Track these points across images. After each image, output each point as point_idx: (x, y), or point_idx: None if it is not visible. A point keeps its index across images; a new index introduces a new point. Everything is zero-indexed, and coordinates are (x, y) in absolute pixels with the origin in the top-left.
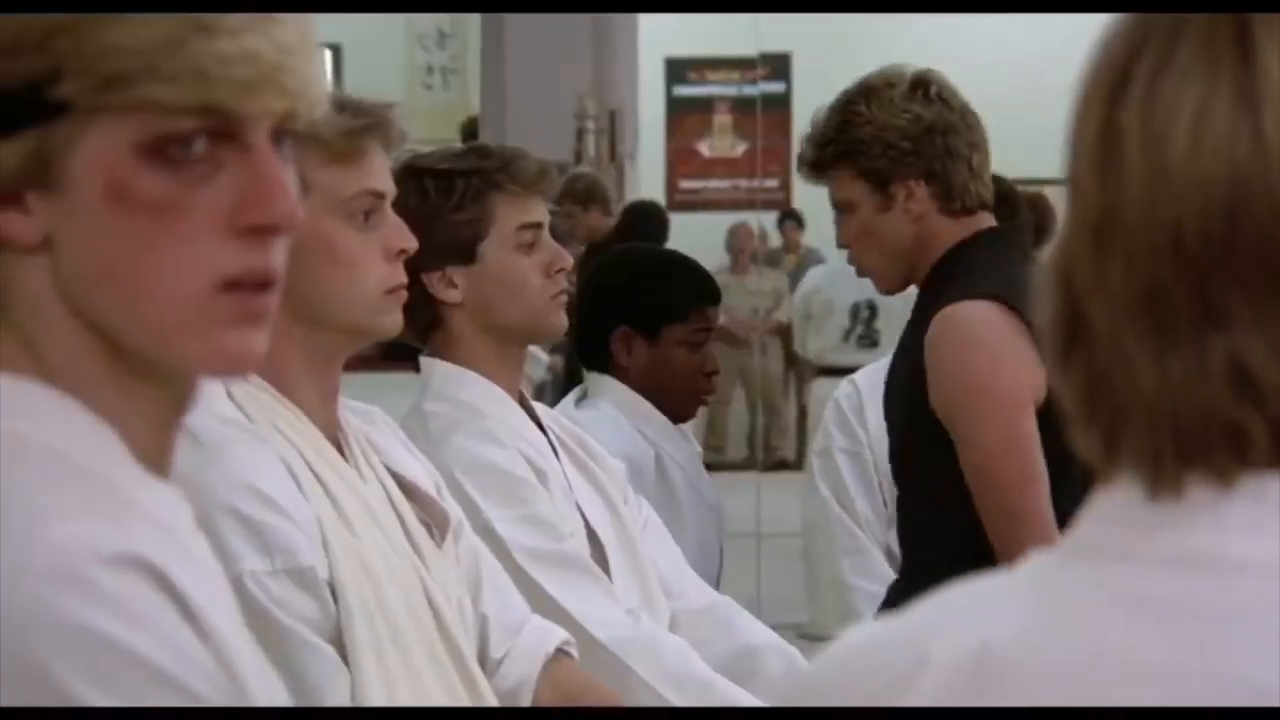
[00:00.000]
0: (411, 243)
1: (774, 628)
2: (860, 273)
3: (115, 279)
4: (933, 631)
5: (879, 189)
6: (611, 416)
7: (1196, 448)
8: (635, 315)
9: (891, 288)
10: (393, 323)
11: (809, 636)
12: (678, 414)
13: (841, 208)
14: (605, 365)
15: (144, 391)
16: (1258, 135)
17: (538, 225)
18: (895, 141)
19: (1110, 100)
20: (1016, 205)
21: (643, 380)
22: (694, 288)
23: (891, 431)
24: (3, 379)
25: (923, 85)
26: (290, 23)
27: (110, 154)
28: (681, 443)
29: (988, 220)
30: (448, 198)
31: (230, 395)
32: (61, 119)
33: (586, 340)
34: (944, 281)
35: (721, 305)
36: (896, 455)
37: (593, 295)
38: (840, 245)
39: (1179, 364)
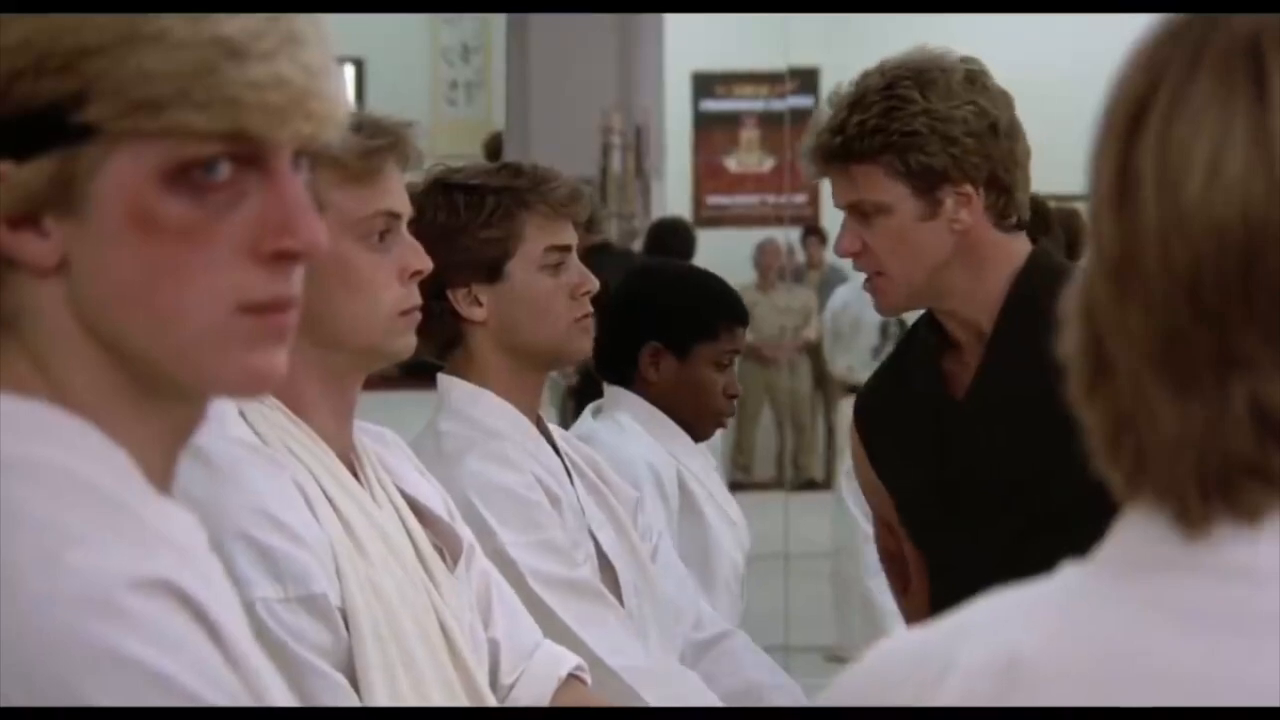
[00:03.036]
0: (426, 264)
1: (801, 649)
2: (872, 286)
3: (137, 303)
4: (962, 637)
5: (925, 192)
6: (632, 429)
7: (1220, 490)
8: (667, 331)
9: (899, 306)
10: (406, 345)
11: (837, 658)
12: (695, 434)
13: (864, 210)
14: (627, 379)
15: (157, 413)
16: (1272, 177)
17: (566, 248)
18: (958, 137)
19: (1126, 139)
20: (1050, 221)
21: (666, 397)
22: (726, 307)
23: (1020, 454)
24: (17, 402)
25: (979, 74)
26: (314, 44)
27: (135, 179)
28: (699, 457)
29: (1026, 239)
30: (477, 214)
31: (243, 416)
32: (85, 142)
33: (612, 352)
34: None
35: (749, 322)
36: (1036, 489)
37: (623, 308)
38: (845, 253)
39: (1200, 408)
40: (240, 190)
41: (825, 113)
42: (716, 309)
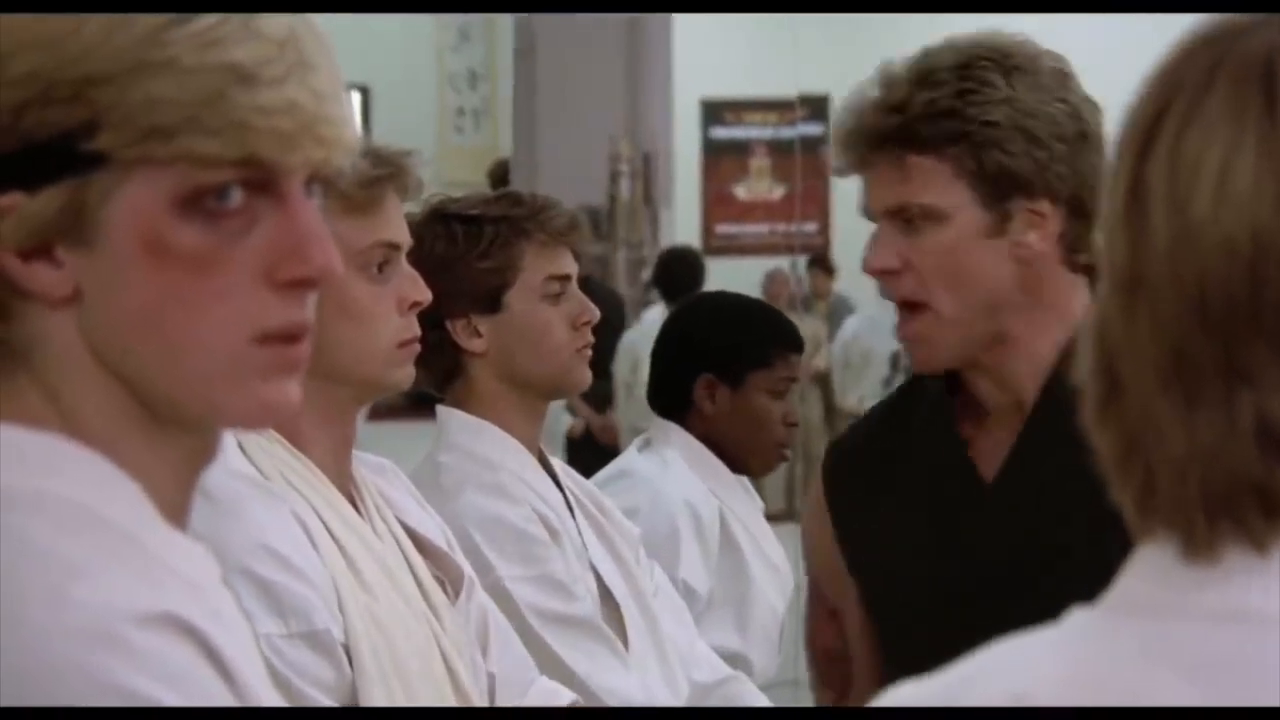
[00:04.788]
0: (425, 295)
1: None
2: (909, 329)
3: (151, 332)
4: (969, 684)
5: (995, 202)
6: (676, 466)
7: (1226, 510)
8: (720, 362)
9: (946, 358)
10: (405, 376)
11: None
12: (759, 465)
13: (911, 216)
14: (682, 413)
15: (170, 445)
16: None
17: (566, 277)
18: (1045, 139)
19: (1139, 155)
20: None
21: (724, 430)
22: (779, 334)
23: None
24: (28, 433)
25: (1069, 73)
26: (324, 70)
27: (147, 207)
28: (745, 499)
29: (1087, 287)
30: (475, 244)
31: (242, 448)
32: (96, 171)
33: (665, 387)
34: None
35: (804, 348)
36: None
37: (674, 342)
38: (879, 270)
39: (1207, 425)
40: (253, 217)
41: (869, 91)
42: (769, 337)
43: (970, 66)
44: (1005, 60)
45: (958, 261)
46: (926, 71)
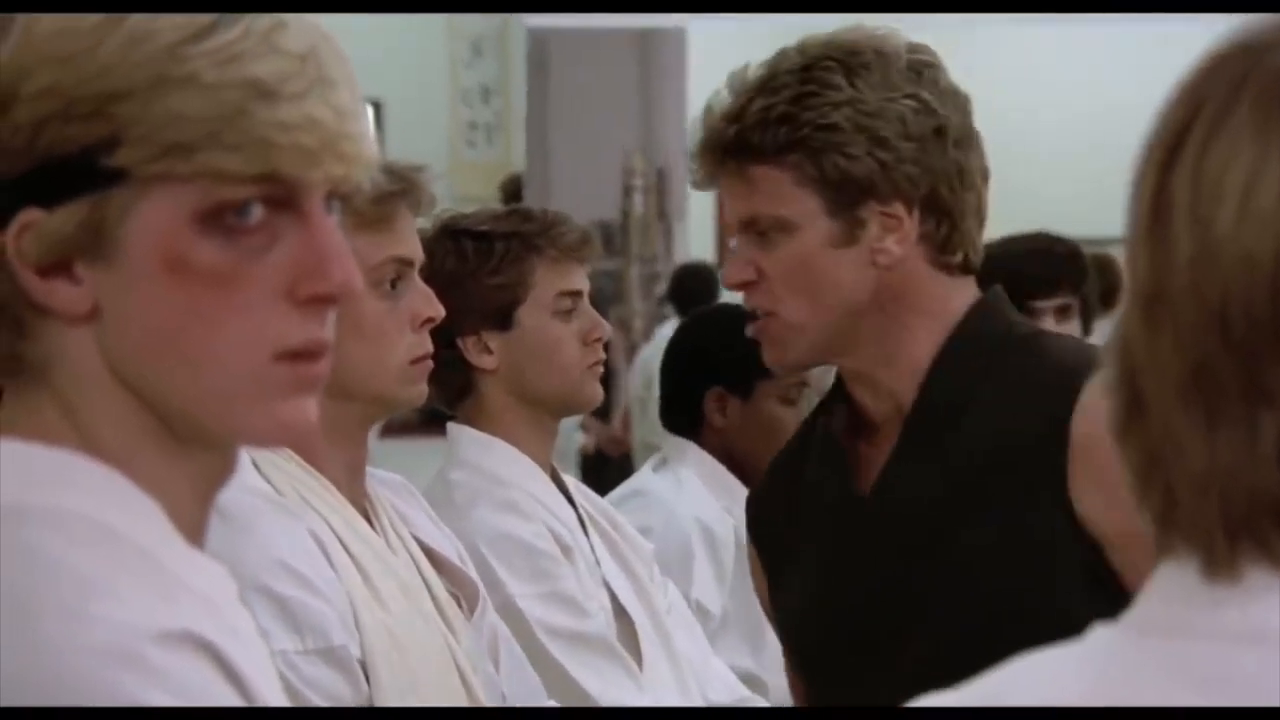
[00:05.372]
0: (438, 311)
1: None
2: (759, 330)
3: (172, 349)
4: (989, 700)
5: (843, 209)
6: (690, 485)
7: (1247, 529)
8: (728, 374)
9: (790, 361)
10: (418, 393)
11: None
12: None
13: (762, 228)
14: (695, 429)
15: (188, 462)
16: None
17: (577, 293)
18: (890, 139)
19: (1163, 169)
20: (1084, 268)
21: (738, 442)
22: None
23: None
24: (45, 450)
25: (930, 65)
26: (344, 86)
27: (167, 223)
28: None
29: (974, 286)
30: (486, 260)
31: (257, 466)
32: (116, 187)
33: (675, 403)
34: (1015, 365)
35: None
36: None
37: (681, 358)
38: (734, 284)
39: (1228, 443)
40: (273, 233)
41: (724, 99)
42: None
43: (811, 69)
44: (851, 59)
45: (810, 272)
46: (768, 77)
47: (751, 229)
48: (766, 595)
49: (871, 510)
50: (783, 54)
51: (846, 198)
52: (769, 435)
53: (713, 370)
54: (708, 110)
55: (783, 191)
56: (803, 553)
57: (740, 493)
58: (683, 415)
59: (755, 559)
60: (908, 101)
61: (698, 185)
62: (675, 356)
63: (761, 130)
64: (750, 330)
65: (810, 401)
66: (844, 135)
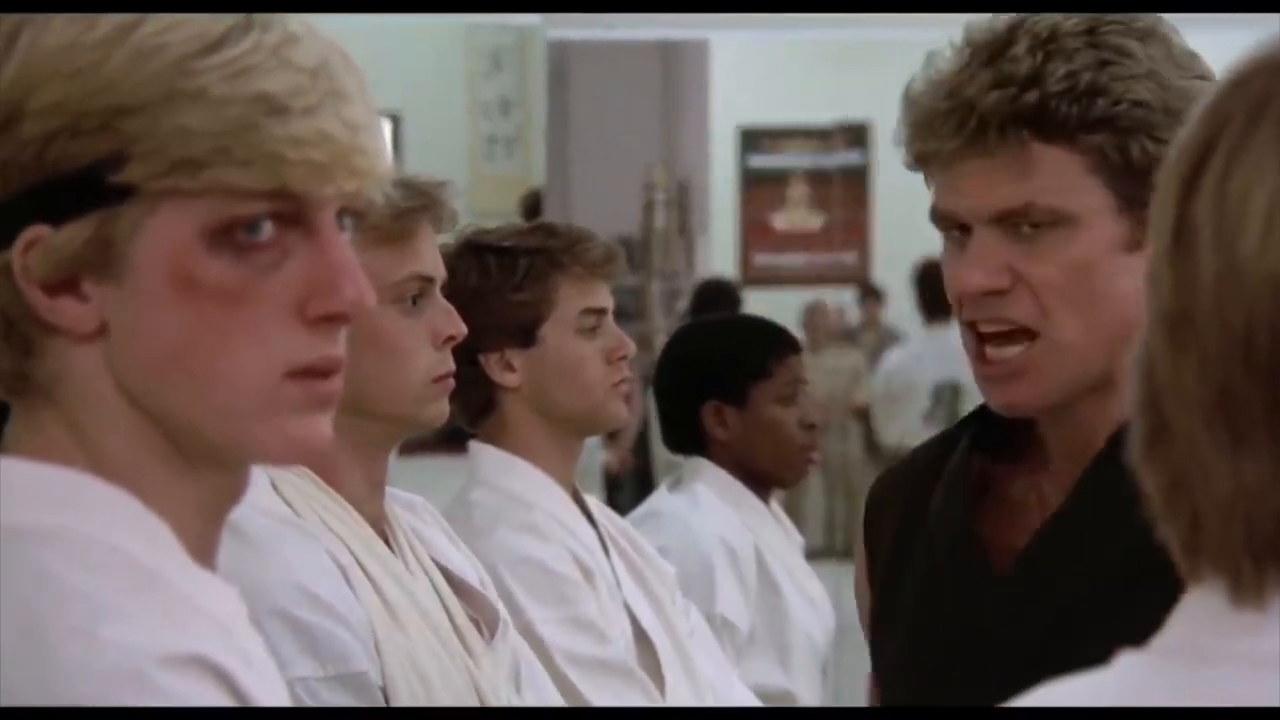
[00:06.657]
0: (460, 329)
1: None
2: (1005, 361)
3: (181, 367)
4: None
5: (1135, 205)
6: (708, 502)
7: (1272, 554)
8: (718, 385)
9: (1055, 396)
10: (439, 412)
11: None
12: (790, 476)
13: (1036, 221)
14: (699, 445)
15: (198, 481)
16: None
17: (602, 310)
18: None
19: (1185, 191)
20: None
21: (743, 451)
22: (771, 342)
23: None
24: (54, 470)
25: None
26: (356, 100)
27: (176, 240)
28: (779, 533)
29: None
30: (509, 276)
31: (275, 486)
32: (124, 203)
33: (675, 424)
34: None
35: (802, 348)
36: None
37: (671, 376)
38: (980, 289)
39: (1253, 468)
40: (284, 250)
41: (957, 64)
42: (761, 347)
43: (1096, 31)
44: (1131, 22)
45: (1090, 280)
46: (1048, 36)
47: (1009, 221)
48: (864, 589)
49: (1020, 567)
50: (1028, 18)
51: (1144, 192)
52: (772, 439)
53: (703, 384)
54: (948, 76)
55: (1069, 179)
56: (911, 594)
57: (757, 508)
58: (685, 434)
59: (862, 552)
60: (1198, 82)
61: (912, 166)
62: (665, 378)
63: (1069, 101)
64: (986, 368)
65: (810, 401)
66: (1155, 115)
